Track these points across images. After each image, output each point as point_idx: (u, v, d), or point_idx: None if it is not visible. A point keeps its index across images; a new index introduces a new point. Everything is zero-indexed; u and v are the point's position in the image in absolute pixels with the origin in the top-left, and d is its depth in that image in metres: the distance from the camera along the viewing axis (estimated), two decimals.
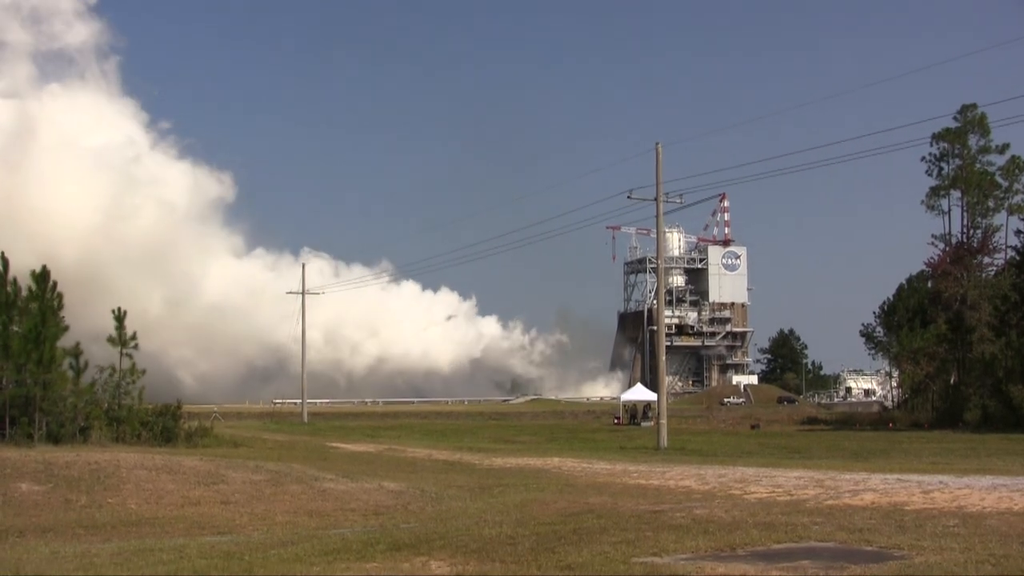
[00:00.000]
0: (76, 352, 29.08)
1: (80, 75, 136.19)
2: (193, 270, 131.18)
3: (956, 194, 67.64)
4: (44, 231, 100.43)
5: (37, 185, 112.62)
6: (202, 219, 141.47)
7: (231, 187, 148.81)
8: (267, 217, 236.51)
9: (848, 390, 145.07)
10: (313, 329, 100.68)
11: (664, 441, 38.01)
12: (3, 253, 28.81)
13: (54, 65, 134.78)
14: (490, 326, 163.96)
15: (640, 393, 76.55)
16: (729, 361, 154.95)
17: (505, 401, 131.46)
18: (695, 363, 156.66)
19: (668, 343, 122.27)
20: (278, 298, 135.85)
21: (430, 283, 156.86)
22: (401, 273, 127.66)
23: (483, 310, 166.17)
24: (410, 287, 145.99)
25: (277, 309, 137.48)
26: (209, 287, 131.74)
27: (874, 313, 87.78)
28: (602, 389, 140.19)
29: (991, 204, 66.71)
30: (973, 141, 66.41)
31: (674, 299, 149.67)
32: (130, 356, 31.26)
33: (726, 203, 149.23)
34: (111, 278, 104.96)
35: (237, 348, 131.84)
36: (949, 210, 68.24)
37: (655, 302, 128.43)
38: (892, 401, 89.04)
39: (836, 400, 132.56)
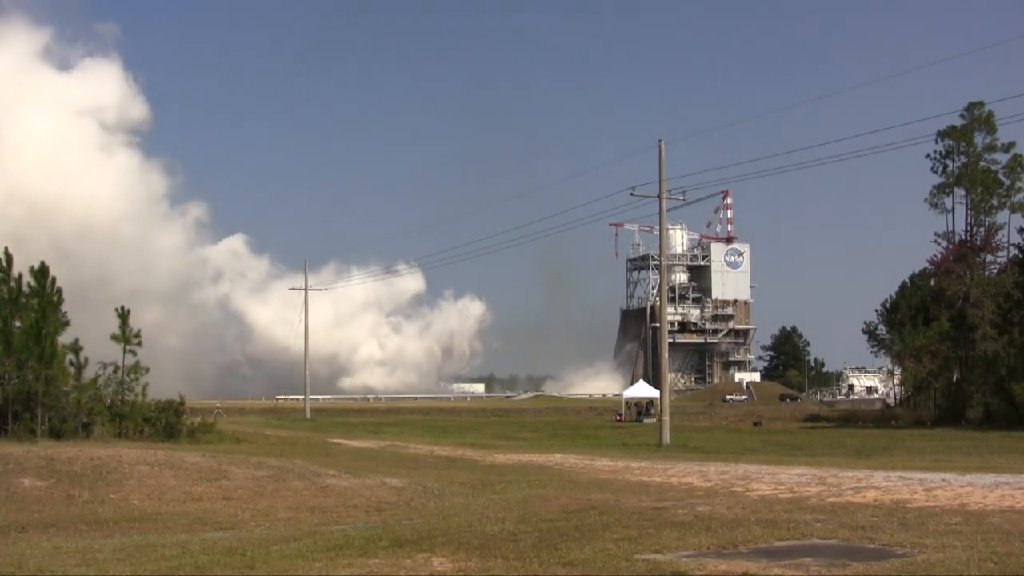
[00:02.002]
0: (77, 348, 29.09)
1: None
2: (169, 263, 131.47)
3: (960, 192, 67.52)
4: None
5: None
6: (180, 214, 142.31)
7: (216, 185, 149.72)
8: (258, 214, 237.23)
9: (851, 387, 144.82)
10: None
11: (666, 438, 38.00)
12: (7, 248, 28.85)
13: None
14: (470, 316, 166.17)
15: (642, 390, 76.60)
16: (732, 358, 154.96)
17: (507, 397, 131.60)
18: (698, 360, 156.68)
19: (671, 340, 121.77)
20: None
21: (428, 279, 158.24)
22: (400, 270, 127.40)
23: (478, 305, 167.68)
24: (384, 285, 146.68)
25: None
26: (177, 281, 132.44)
27: (877, 311, 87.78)
28: (604, 385, 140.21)
29: (995, 202, 66.57)
30: (979, 139, 66.24)
31: (677, 296, 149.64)
32: (134, 352, 31.24)
33: (729, 200, 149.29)
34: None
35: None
36: (952, 208, 68.13)
37: (658, 299, 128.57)
38: (894, 399, 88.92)
39: (839, 397, 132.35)
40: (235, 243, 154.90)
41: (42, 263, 29.02)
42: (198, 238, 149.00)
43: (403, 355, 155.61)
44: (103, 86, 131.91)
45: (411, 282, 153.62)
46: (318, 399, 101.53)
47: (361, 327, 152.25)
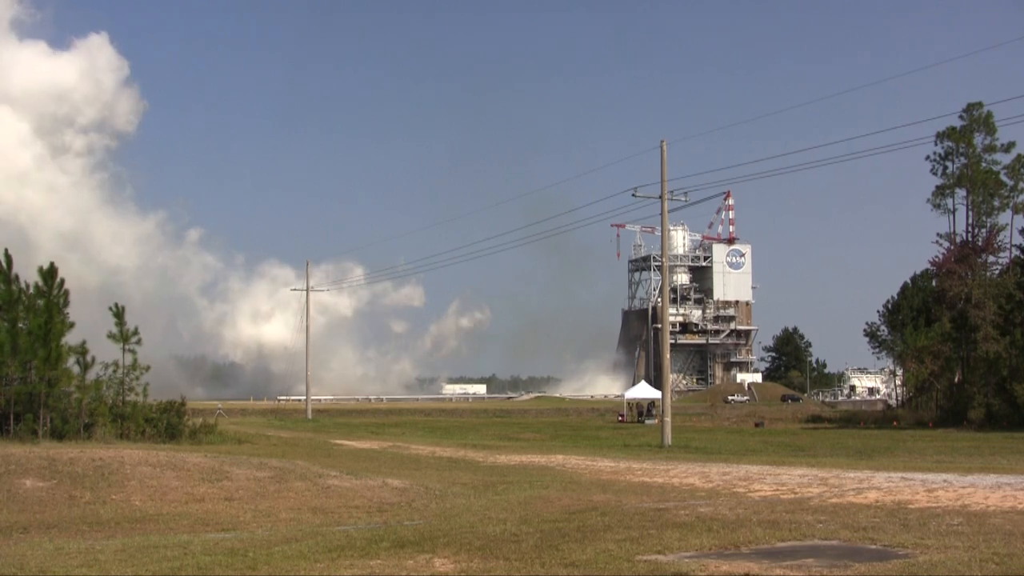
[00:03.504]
0: (82, 350, 29.01)
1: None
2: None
3: (961, 193, 67.47)
4: None
5: None
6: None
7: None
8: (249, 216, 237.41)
9: (852, 388, 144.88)
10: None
11: (668, 439, 37.98)
12: (7, 250, 28.76)
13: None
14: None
15: (644, 391, 76.58)
16: (733, 359, 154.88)
17: (509, 398, 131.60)
18: (699, 361, 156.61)
19: (672, 341, 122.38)
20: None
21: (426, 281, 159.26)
22: (396, 273, 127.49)
23: (476, 308, 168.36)
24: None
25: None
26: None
27: (878, 311, 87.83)
28: (606, 386, 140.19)
29: (996, 203, 66.53)
30: (979, 140, 66.18)
31: (678, 297, 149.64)
32: (133, 352, 31.13)
33: (731, 201, 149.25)
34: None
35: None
36: (954, 209, 68.10)
37: (659, 300, 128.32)
38: (896, 399, 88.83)
39: (840, 398, 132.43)
40: (206, 241, 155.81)
41: (51, 264, 28.92)
42: (174, 237, 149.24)
43: (382, 368, 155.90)
44: (91, 74, 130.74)
45: (408, 286, 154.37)
46: (320, 399, 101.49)
47: (341, 339, 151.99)
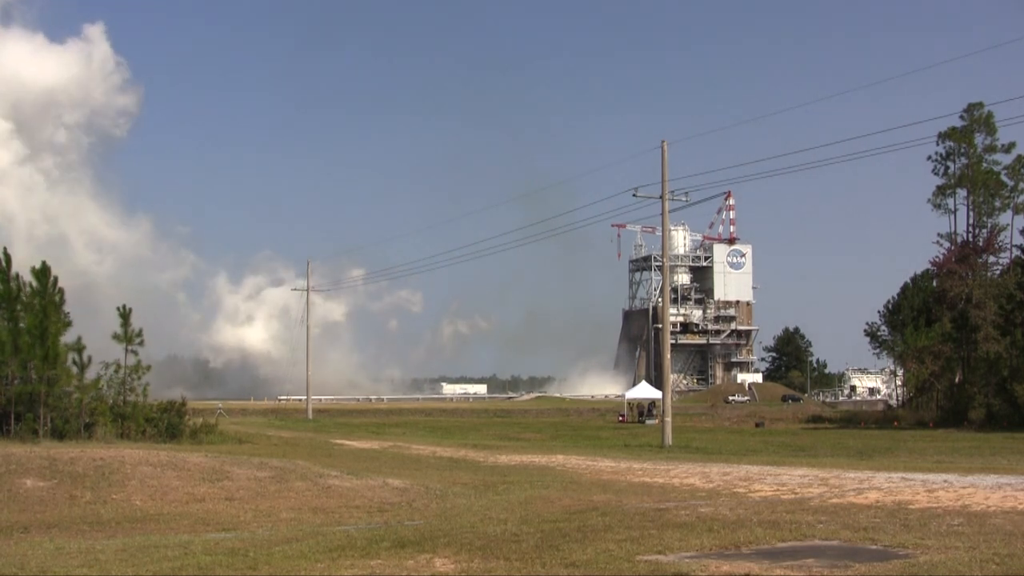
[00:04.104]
0: (79, 348, 29.02)
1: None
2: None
3: (962, 193, 67.45)
4: None
5: None
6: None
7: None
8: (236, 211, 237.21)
9: (853, 388, 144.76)
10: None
11: (669, 439, 37.98)
12: (5, 249, 28.78)
13: None
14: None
15: (645, 391, 76.58)
16: (734, 359, 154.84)
17: (510, 398, 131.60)
18: (700, 361, 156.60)
19: (673, 341, 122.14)
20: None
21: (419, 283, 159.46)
22: (390, 274, 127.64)
23: (476, 308, 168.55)
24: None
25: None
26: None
27: (879, 312, 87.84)
28: (606, 386, 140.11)
29: (997, 203, 66.52)
30: (979, 140, 66.17)
31: (679, 297, 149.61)
32: (135, 352, 31.16)
33: (731, 201, 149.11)
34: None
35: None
36: (955, 209, 68.08)
37: (660, 300, 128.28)
38: (897, 400, 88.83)
39: (841, 399, 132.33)
40: (192, 243, 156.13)
41: (43, 263, 28.95)
42: (162, 237, 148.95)
43: (375, 373, 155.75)
44: (86, 69, 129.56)
45: (405, 289, 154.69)
46: (320, 399, 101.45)
47: (332, 345, 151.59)
